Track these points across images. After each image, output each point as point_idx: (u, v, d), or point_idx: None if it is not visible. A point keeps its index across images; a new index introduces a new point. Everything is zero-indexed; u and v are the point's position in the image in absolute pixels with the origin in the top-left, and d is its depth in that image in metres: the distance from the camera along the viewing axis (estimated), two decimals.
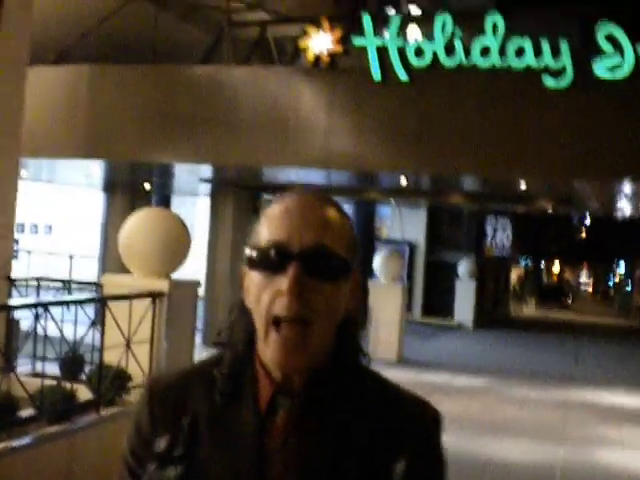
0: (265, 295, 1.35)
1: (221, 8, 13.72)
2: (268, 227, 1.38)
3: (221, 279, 16.45)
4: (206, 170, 15.03)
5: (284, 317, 1.33)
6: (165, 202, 20.45)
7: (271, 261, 1.35)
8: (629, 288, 56.43)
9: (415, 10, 20.63)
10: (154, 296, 7.49)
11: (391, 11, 21.49)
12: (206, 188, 17.77)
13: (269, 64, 13.94)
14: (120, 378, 6.90)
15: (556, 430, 10.85)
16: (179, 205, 21.79)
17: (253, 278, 1.38)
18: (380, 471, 1.36)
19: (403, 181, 14.56)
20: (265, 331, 1.35)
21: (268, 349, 1.35)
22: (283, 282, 1.32)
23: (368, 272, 17.40)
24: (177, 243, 7.86)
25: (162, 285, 7.60)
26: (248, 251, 1.40)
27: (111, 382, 6.75)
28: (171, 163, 13.98)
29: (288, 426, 1.37)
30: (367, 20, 11.45)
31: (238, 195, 16.47)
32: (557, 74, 11.00)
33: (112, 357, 6.85)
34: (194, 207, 24.49)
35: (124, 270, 7.78)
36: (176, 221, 8.05)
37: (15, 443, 5.42)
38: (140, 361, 7.08)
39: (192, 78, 12.90)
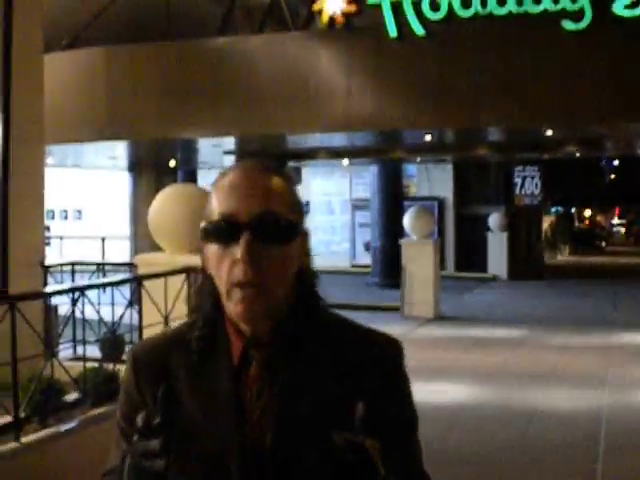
0: (223, 265, 1.45)
1: None
2: (217, 200, 1.48)
3: None
4: (229, 142, 15.01)
5: (240, 282, 1.43)
6: (191, 177, 20.47)
7: (223, 232, 1.45)
8: None
9: None
10: (188, 271, 7.53)
11: None
12: (231, 160, 17.76)
13: (284, 30, 13.83)
14: None
15: (598, 376, 10.80)
16: (205, 179, 21.83)
17: (210, 249, 1.48)
18: (347, 410, 1.40)
19: (427, 137, 14.44)
20: (227, 293, 1.46)
21: (232, 307, 1.46)
22: (237, 251, 1.43)
23: (399, 232, 17.36)
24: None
25: (195, 260, 7.58)
26: (203, 224, 1.49)
27: None
28: (193, 138, 13.98)
29: (261, 375, 1.49)
30: None
31: None
32: (575, 16, 10.81)
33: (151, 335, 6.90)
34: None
35: (156, 249, 7.82)
36: (203, 195, 8.06)
37: (62, 428, 5.49)
38: None
39: (208, 51, 12.84)
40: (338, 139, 14.66)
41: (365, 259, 25.05)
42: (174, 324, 1.78)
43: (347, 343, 1.55)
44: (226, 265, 1.45)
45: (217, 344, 1.53)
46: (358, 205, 26.25)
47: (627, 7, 10.70)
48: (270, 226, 1.45)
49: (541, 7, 10.88)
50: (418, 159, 21.05)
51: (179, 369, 1.54)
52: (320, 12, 11.97)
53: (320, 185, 25.78)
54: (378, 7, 11.30)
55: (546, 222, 41.24)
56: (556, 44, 11.26)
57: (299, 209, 1.55)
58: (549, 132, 13.76)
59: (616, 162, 44.96)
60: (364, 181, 25.20)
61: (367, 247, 24.91)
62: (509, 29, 11.31)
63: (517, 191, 29.00)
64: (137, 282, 7.16)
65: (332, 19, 11.88)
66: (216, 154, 17.11)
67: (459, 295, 20.19)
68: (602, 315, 17.27)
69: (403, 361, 1.58)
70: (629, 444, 7.79)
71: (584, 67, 11.23)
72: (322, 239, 25.90)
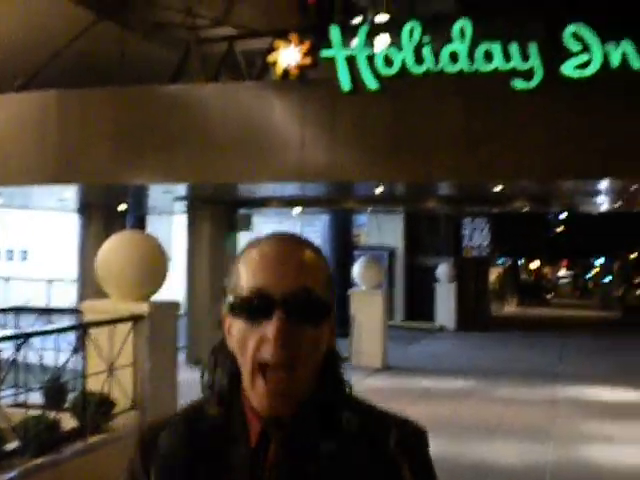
0: (250, 342, 1.38)
1: (186, 25, 13.69)
2: (248, 273, 1.41)
3: (201, 296, 16.37)
4: (181, 188, 14.99)
5: (271, 364, 1.36)
6: (140, 222, 20.34)
7: (254, 308, 1.37)
8: (608, 280, 56.89)
9: (383, 17, 20.68)
10: (135, 319, 7.45)
11: (358, 19, 21.58)
12: (182, 206, 17.71)
13: (239, 79, 13.92)
14: (104, 404, 6.85)
15: (544, 428, 10.87)
16: (155, 224, 21.71)
17: (236, 325, 1.41)
18: None
19: (379, 189, 14.57)
20: (251, 377, 1.39)
21: (255, 395, 1.39)
22: (268, 329, 1.35)
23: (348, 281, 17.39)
24: (154, 265, 7.84)
25: (142, 308, 7.57)
26: (230, 298, 1.42)
27: (96, 409, 6.70)
28: (145, 184, 13.92)
29: (279, 458, 1.40)
30: (335, 31, 11.44)
31: (215, 211, 16.42)
32: (526, 75, 11.05)
33: (96, 383, 6.81)
34: (170, 225, 24.41)
35: (103, 293, 7.73)
36: (152, 243, 8.02)
37: (0, 478, 5.35)
38: (124, 386, 7.04)
39: (162, 97, 12.85)
40: (290, 188, 14.72)
41: None
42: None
43: (372, 431, 1.46)
44: (253, 343, 1.37)
45: (233, 425, 1.44)
46: None
47: (577, 68, 10.97)
48: (304, 304, 1.37)
49: (492, 66, 11.10)
50: (369, 209, 21.19)
51: (191, 452, 1.45)
52: (274, 64, 12.07)
53: (270, 231, 25.82)
54: (332, 61, 11.43)
55: (494, 274, 41.68)
56: (507, 102, 11.49)
57: (331, 286, 1.47)
58: (498, 188, 13.98)
59: (563, 215, 45.69)
60: (314, 229, 25.27)
61: None
62: (461, 86, 11.52)
63: (466, 243, 29.34)
64: (82, 329, 7.07)
65: (286, 71, 11.99)
66: (167, 200, 17.06)
67: (407, 345, 20.24)
68: (548, 367, 17.43)
69: (429, 451, 1.50)
70: None
71: (534, 125, 11.47)
72: None
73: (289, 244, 1.45)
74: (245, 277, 1.40)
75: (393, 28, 13.15)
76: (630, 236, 57.90)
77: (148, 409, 7.52)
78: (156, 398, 7.69)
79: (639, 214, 29.35)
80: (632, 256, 53.23)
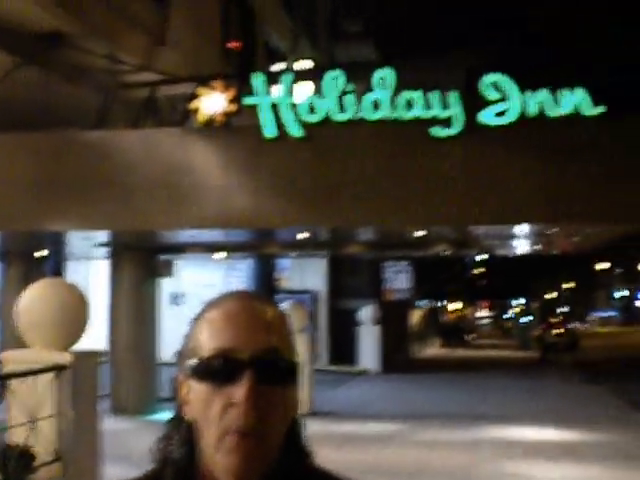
0: (215, 407, 1.28)
1: (109, 70, 13.64)
2: (211, 334, 1.32)
3: (124, 343, 16.12)
4: (102, 235, 14.81)
5: (240, 430, 1.27)
6: (59, 268, 19.98)
7: (219, 371, 1.28)
8: (526, 321, 58.00)
9: (305, 64, 20.96)
10: (57, 370, 7.32)
11: (280, 66, 21.83)
12: (101, 252, 17.48)
13: (161, 124, 13.89)
14: (25, 457, 6.69)
15: (468, 470, 10.97)
16: (73, 270, 21.33)
17: (198, 389, 1.31)
18: None
19: (301, 235, 14.65)
20: (217, 444, 1.28)
21: (223, 459, 1.28)
22: (235, 393, 1.27)
23: None
24: (76, 314, 7.74)
25: (64, 357, 7.45)
26: (192, 362, 1.33)
27: (16, 462, 6.54)
28: (65, 231, 13.71)
29: None
30: (258, 78, 11.53)
31: (136, 257, 16.24)
32: (446, 123, 11.31)
33: (19, 435, 6.65)
34: (88, 271, 24.01)
35: (24, 342, 7.58)
36: (73, 291, 7.92)
37: None
38: (47, 437, 6.89)
39: (83, 143, 12.73)
40: (213, 235, 14.67)
41: None
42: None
43: None
44: (219, 408, 1.27)
45: None
46: None
47: (496, 116, 11.28)
48: (274, 365, 1.30)
49: (413, 114, 11.33)
50: (294, 254, 21.29)
51: None
52: (196, 110, 12.09)
53: (193, 277, 25.60)
54: (256, 108, 11.51)
55: (415, 316, 42.12)
56: (427, 150, 11.72)
57: (294, 344, 1.41)
58: (420, 233, 14.21)
59: (479, 257, 46.53)
60: (238, 273, 25.24)
61: None
62: (382, 133, 11.72)
63: (388, 285, 29.65)
64: (2, 381, 6.91)
65: (211, 118, 12.01)
66: (87, 246, 16.83)
67: (332, 389, 20.24)
68: (471, 409, 17.64)
69: None
70: None
71: (454, 172, 11.72)
72: None
73: (253, 302, 1.36)
74: (208, 338, 1.32)
75: (316, 75, 13.34)
76: (547, 277, 59.29)
77: (72, 460, 7.37)
78: (80, 449, 7.54)
79: (556, 256, 30.16)
80: (549, 296, 54.48)
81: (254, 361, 1.28)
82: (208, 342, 1.31)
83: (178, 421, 1.38)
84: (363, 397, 19.67)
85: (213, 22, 18.81)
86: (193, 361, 1.32)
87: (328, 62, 26.74)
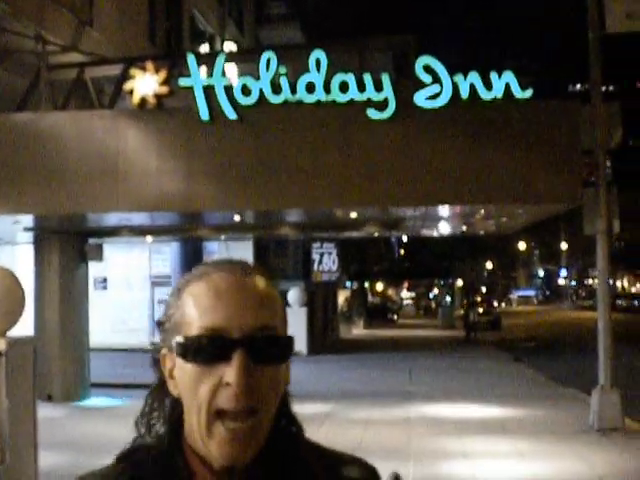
0: (204, 387, 1.22)
1: (35, 51, 13.35)
2: (198, 310, 1.25)
3: (51, 328, 15.86)
4: (30, 219, 14.52)
5: (231, 410, 1.22)
6: None
7: (209, 351, 1.22)
8: (450, 301, 58.99)
9: (230, 46, 20.84)
10: None
11: (206, 48, 21.66)
12: (26, 236, 17.12)
13: (88, 107, 13.66)
14: None
15: (402, 447, 11.16)
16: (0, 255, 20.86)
17: (185, 368, 1.25)
18: None
19: (236, 218, 14.61)
20: (207, 424, 1.23)
21: (213, 443, 1.23)
22: (226, 373, 1.21)
23: None
24: (10, 300, 7.63)
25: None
26: (179, 339, 1.25)
27: None
28: None
29: None
30: (192, 60, 11.44)
31: (63, 241, 15.95)
32: (380, 106, 11.42)
33: None
34: (13, 256, 23.52)
35: None
36: (7, 277, 7.79)
37: None
38: None
39: (11, 126, 12.46)
40: (142, 218, 14.51)
41: None
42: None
43: (322, 470, 1.36)
44: (208, 388, 1.22)
45: (177, 477, 1.29)
46: (158, 282, 25.92)
47: (428, 99, 11.43)
48: (266, 343, 1.24)
49: (348, 96, 11.40)
50: (222, 237, 21.18)
51: None
52: (131, 92, 11.92)
53: (119, 260, 25.27)
54: (190, 89, 11.42)
55: (342, 297, 42.42)
56: (362, 131, 11.82)
57: (286, 318, 1.33)
58: (353, 214, 14.31)
59: (405, 238, 47.04)
60: (164, 257, 25.01)
61: None
62: (317, 115, 11.76)
63: (315, 267, 29.74)
64: None
65: (143, 100, 11.87)
66: (12, 230, 16.49)
67: None
68: (400, 387, 17.91)
69: None
70: None
71: (387, 154, 11.86)
72: (120, 316, 25.33)
73: (242, 277, 1.28)
74: (195, 314, 1.25)
75: (247, 57, 13.30)
76: (470, 257, 60.36)
77: (7, 448, 7.27)
78: (16, 436, 7.45)
79: (479, 236, 30.72)
80: (472, 276, 55.42)
81: (246, 340, 1.21)
82: (196, 320, 1.24)
83: (161, 396, 1.33)
84: (293, 378, 19.51)
85: (140, 3, 18.55)
86: (179, 339, 1.25)
87: (254, 44, 26.61)
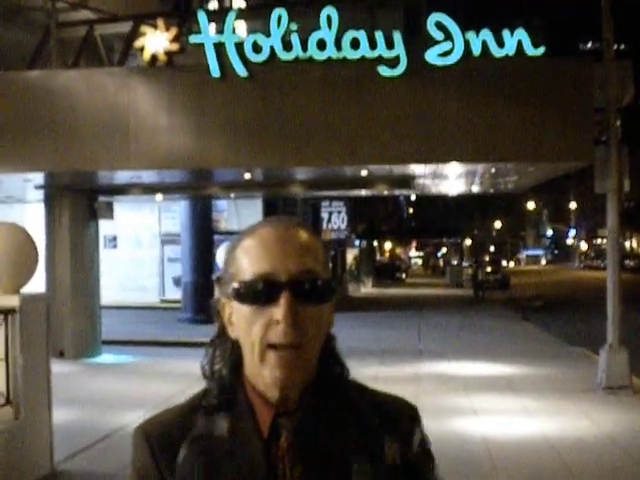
0: (257, 325, 1.41)
1: (45, 8, 13.28)
2: (250, 260, 1.44)
3: (62, 286, 15.96)
4: (40, 177, 14.55)
5: (280, 344, 1.39)
6: None
7: (261, 293, 1.41)
8: (458, 259, 58.94)
9: (239, 3, 20.64)
10: (6, 313, 7.28)
11: (214, 5, 21.46)
12: (37, 194, 17.16)
13: (98, 64, 13.62)
14: None
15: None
16: (6, 213, 20.92)
17: (241, 310, 1.44)
18: (374, 457, 1.46)
19: (247, 175, 14.60)
20: (260, 356, 1.41)
21: (266, 369, 1.41)
22: (276, 312, 1.39)
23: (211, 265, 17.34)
24: (24, 256, 7.67)
25: (13, 301, 7.41)
26: (234, 285, 1.44)
27: None
28: (4, 172, 13.44)
29: (293, 446, 1.44)
30: (202, 17, 11.37)
31: (74, 199, 15.99)
32: (391, 63, 11.35)
33: None
34: (22, 214, 23.59)
35: None
36: (22, 233, 7.83)
37: None
38: None
39: (22, 84, 12.43)
40: (153, 175, 14.52)
41: (175, 294, 24.82)
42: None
43: (368, 409, 1.51)
44: (260, 327, 1.40)
45: (239, 413, 1.47)
46: (167, 240, 26.01)
47: (440, 56, 11.35)
48: (309, 285, 1.41)
49: (359, 54, 11.33)
50: (232, 195, 21.18)
51: (201, 441, 1.46)
52: (142, 49, 11.87)
53: (128, 219, 25.34)
54: (201, 47, 11.37)
55: (350, 255, 42.45)
56: (373, 89, 11.76)
57: (329, 266, 1.53)
58: (363, 172, 14.29)
59: (413, 197, 46.98)
60: (173, 215, 25.04)
61: (177, 282, 24.70)
62: (329, 73, 11.71)
63: (324, 226, 29.77)
64: None
65: (154, 57, 11.82)
66: (23, 188, 16.53)
67: None
68: (408, 345, 18.01)
69: (421, 422, 1.57)
70: (444, 474, 8.18)
71: (399, 111, 11.81)
72: (130, 274, 25.45)
73: (287, 228, 1.47)
74: (247, 263, 1.44)
75: (259, 14, 13.20)
76: (479, 216, 60.22)
77: (22, 404, 7.37)
78: (30, 392, 7.54)
79: (488, 195, 30.63)
80: (480, 235, 55.32)
81: (290, 283, 1.40)
82: (248, 268, 1.43)
83: (222, 340, 1.51)
84: None
85: None
86: (235, 285, 1.44)
87: (264, 1, 26.36)
